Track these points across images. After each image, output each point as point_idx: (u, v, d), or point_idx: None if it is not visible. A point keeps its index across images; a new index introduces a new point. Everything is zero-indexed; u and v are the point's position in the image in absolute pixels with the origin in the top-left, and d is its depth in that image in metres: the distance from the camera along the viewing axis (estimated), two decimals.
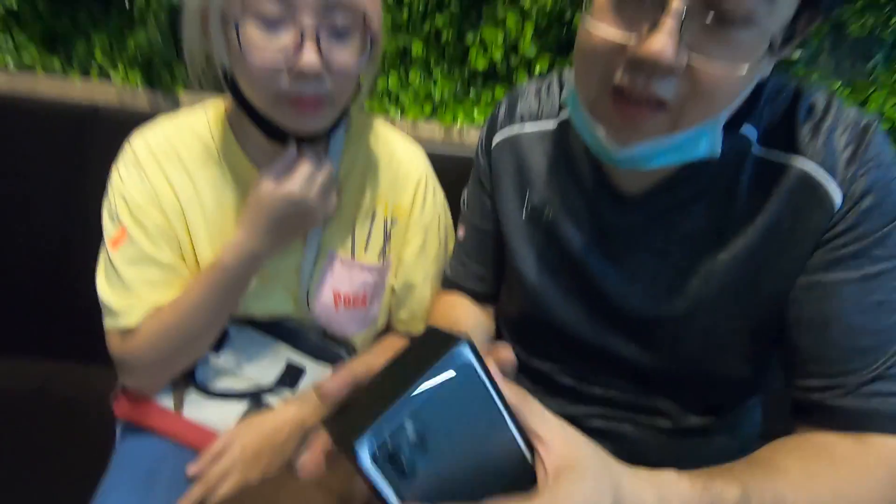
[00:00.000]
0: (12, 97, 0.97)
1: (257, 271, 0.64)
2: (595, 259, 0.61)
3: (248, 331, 0.71)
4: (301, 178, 0.59)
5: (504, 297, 0.74)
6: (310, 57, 0.52)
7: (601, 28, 0.42)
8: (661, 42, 0.39)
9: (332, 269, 0.69)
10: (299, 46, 0.52)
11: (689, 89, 0.42)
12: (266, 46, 0.52)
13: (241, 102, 0.59)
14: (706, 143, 0.47)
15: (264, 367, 0.71)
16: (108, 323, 0.64)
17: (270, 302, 0.69)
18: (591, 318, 0.63)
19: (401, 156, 0.72)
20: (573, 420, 0.67)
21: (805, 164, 0.49)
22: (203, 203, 0.65)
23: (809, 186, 0.49)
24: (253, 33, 0.52)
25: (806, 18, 0.43)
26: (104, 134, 0.94)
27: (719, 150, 0.48)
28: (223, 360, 0.70)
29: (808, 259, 0.50)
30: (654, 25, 0.39)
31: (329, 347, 0.73)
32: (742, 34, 0.40)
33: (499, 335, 0.76)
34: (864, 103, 0.96)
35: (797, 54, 0.93)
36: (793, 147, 0.50)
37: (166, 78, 0.98)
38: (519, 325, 0.72)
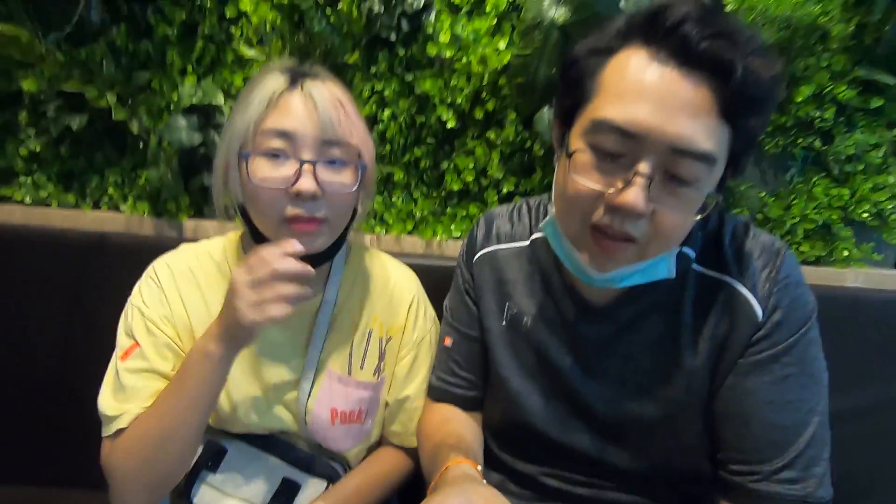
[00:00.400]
0: (26, 228, 1.05)
1: (222, 369, 0.62)
2: (570, 364, 0.67)
3: (244, 447, 0.74)
4: (246, 265, 0.58)
5: (488, 403, 0.78)
6: (306, 181, 0.62)
7: (585, 181, 0.54)
8: (634, 195, 0.50)
9: (330, 385, 0.74)
10: (298, 174, 0.62)
11: (652, 230, 0.53)
12: (271, 174, 0.63)
13: (252, 229, 0.68)
14: (665, 267, 0.58)
15: (261, 484, 0.73)
16: (104, 432, 0.66)
17: (269, 417, 0.73)
18: (570, 420, 0.69)
19: (395, 280, 0.80)
20: None
21: (734, 283, 0.60)
22: (212, 318, 0.70)
23: (740, 302, 0.59)
24: (261, 164, 0.63)
25: (731, 172, 0.56)
26: (111, 260, 1.02)
27: (674, 273, 0.58)
28: (220, 478, 0.72)
29: (736, 361, 0.59)
30: (627, 182, 0.51)
31: (324, 462, 0.75)
32: (690, 191, 0.52)
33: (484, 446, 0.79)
34: (788, 208, 1.10)
35: None
36: (723, 268, 0.61)
37: (172, 207, 1.08)
38: (503, 429, 0.76)
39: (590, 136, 0.53)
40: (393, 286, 0.80)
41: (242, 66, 1.06)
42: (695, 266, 0.62)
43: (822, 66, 1.02)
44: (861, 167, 1.08)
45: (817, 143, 1.08)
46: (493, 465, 0.77)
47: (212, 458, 0.73)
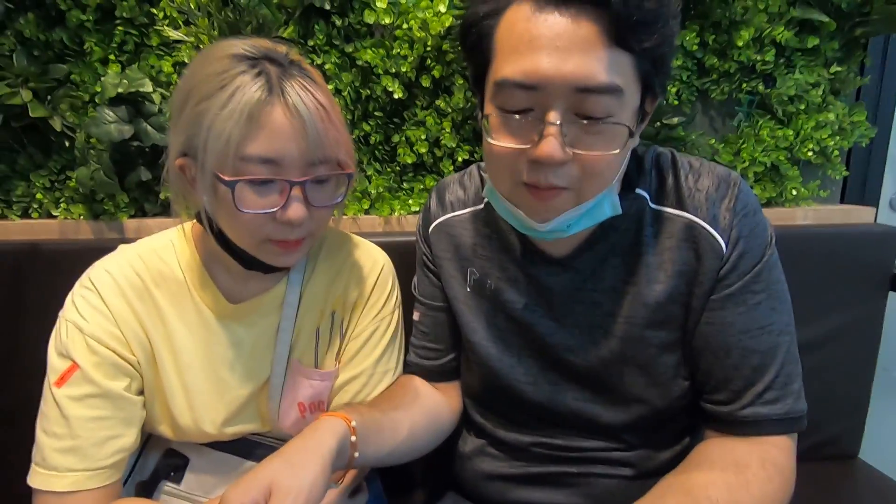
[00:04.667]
0: None
1: None
2: (538, 319, 0.67)
3: (207, 453, 0.70)
4: None
5: (464, 373, 0.78)
6: (296, 209, 0.57)
7: (502, 143, 0.54)
8: (550, 146, 0.50)
9: (298, 380, 0.70)
10: (287, 200, 0.57)
11: (580, 172, 0.53)
12: (257, 202, 0.57)
13: (221, 239, 0.62)
14: (608, 205, 0.57)
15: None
16: (39, 480, 0.58)
17: (237, 423, 0.69)
18: (545, 375, 0.69)
19: (361, 258, 0.75)
20: (540, 478, 0.71)
21: (694, 218, 0.60)
22: (169, 329, 0.66)
23: (702, 236, 0.59)
24: (245, 192, 0.56)
25: (649, 101, 0.56)
26: (47, 270, 0.95)
27: (620, 209, 0.58)
28: (186, 487, 0.69)
29: (710, 296, 0.60)
30: (541, 135, 0.51)
31: None
32: (606, 126, 0.51)
33: (465, 412, 0.79)
34: (737, 153, 1.12)
35: (676, 120, 1.09)
36: (680, 204, 0.61)
37: (110, 207, 1.01)
38: (481, 397, 0.76)
39: (497, 99, 0.54)
40: (361, 265, 0.75)
41: (170, 49, 1.00)
42: (652, 205, 0.62)
43: (759, 8, 1.03)
44: (803, 107, 1.10)
45: (760, 87, 1.10)
46: (475, 431, 0.78)
47: (173, 470, 0.69)
